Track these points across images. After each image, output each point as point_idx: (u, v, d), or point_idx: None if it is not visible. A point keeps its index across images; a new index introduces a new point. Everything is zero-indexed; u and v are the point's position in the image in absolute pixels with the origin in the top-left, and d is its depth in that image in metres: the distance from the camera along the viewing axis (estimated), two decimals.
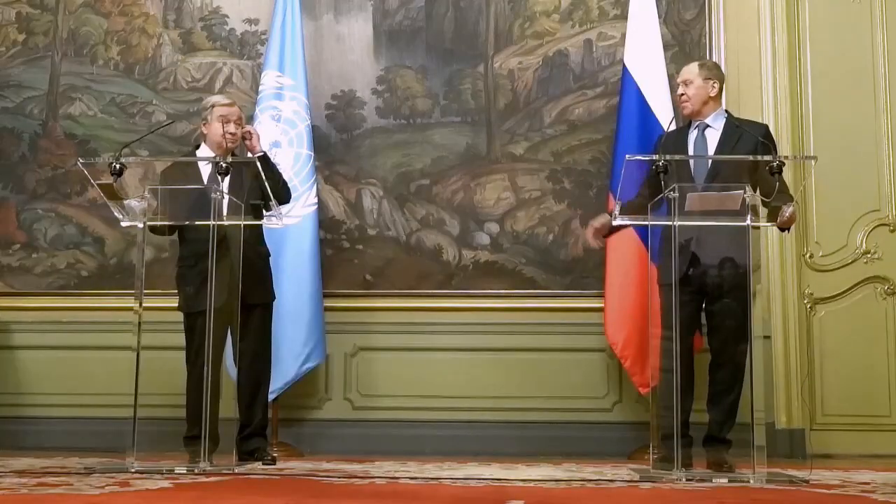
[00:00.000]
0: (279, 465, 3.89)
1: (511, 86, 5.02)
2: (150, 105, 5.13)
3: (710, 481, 3.26)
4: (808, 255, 4.83)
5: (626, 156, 3.61)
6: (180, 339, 4.01)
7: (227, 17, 5.17)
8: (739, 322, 3.62)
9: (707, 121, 3.97)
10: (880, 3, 4.94)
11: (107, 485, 2.97)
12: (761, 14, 4.92)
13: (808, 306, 4.81)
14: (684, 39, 4.98)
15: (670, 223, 3.52)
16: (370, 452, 4.57)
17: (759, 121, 4.36)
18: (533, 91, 5.02)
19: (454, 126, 5.02)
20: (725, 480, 3.27)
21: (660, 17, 4.80)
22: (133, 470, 3.38)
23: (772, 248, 4.77)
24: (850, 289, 4.81)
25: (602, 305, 4.58)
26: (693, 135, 3.99)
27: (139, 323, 3.63)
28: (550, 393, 4.76)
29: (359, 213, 5.00)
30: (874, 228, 4.84)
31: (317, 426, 4.82)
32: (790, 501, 2.83)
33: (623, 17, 4.88)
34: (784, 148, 4.73)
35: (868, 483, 3.25)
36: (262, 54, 5.00)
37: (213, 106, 4.11)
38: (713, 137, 3.94)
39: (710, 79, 3.96)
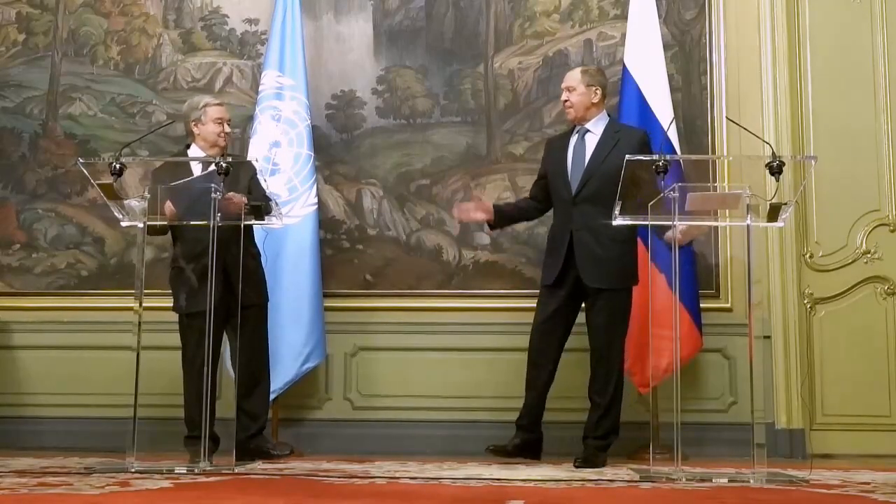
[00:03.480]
0: (279, 465, 3.89)
1: (511, 86, 5.02)
2: (150, 105, 5.13)
3: (711, 481, 3.26)
4: (808, 255, 4.83)
5: (626, 156, 3.61)
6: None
7: (227, 17, 5.17)
8: (612, 319, 3.94)
9: (588, 125, 4.13)
10: (880, 3, 4.93)
11: (107, 485, 2.97)
12: (761, 14, 4.92)
13: (808, 306, 4.80)
14: (684, 39, 4.98)
15: (670, 223, 3.53)
16: (370, 452, 4.57)
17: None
18: (533, 91, 5.02)
19: (454, 126, 5.02)
20: (725, 480, 3.28)
21: (660, 17, 4.80)
22: (133, 470, 3.39)
23: (772, 248, 4.76)
24: (850, 289, 4.81)
25: None
26: (574, 139, 4.15)
27: (139, 323, 3.63)
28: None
29: (359, 213, 5.00)
30: (874, 228, 4.84)
31: (317, 426, 4.82)
32: (790, 501, 2.83)
33: (623, 17, 4.88)
34: (784, 148, 4.73)
35: (868, 483, 3.25)
36: (262, 54, 4.99)
37: (205, 106, 4.11)
38: (592, 142, 4.10)
39: (592, 85, 4.12)
